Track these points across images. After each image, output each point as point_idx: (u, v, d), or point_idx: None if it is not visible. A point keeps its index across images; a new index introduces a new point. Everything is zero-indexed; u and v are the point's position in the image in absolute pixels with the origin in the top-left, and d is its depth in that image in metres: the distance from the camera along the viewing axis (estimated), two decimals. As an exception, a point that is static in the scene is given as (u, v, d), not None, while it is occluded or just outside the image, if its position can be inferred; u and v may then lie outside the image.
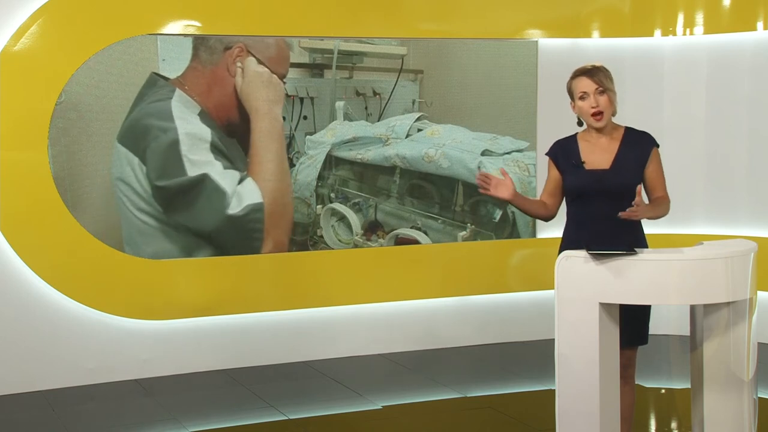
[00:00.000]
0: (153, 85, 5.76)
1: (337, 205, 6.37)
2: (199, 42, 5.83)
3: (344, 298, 6.35)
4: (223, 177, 5.83)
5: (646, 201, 3.99)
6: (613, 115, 3.98)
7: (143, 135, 5.72)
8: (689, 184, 6.67)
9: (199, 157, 5.79)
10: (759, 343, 3.84)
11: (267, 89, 5.92)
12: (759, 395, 3.93)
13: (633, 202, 3.73)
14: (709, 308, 3.67)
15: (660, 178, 3.99)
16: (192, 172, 5.77)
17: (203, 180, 5.79)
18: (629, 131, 4.02)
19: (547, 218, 4.11)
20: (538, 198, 4.18)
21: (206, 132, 5.81)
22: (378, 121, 6.43)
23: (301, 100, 6.21)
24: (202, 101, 5.83)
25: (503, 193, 3.93)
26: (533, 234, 6.73)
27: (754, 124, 6.54)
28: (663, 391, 5.77)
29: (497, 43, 6.59)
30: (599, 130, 3.98)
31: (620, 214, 3.73)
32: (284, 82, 6.08)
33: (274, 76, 5.94)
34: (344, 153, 6.34)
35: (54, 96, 5.56)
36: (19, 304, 5.62)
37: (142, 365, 5.89)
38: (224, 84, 5.89)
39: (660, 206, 3.95)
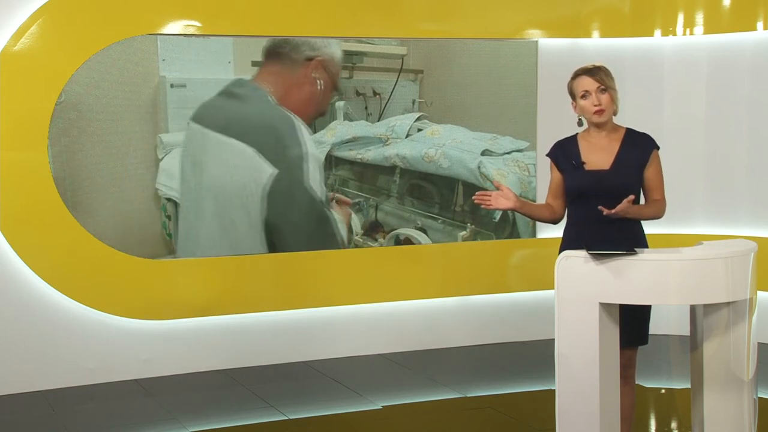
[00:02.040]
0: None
1: (337, 205, 6.38)
2: (288, 49, 6.00)
3: (344, 298, 6.35)
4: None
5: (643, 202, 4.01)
6: (615, 114, 3.98)
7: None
8: (689, 184, 6.67)
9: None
10: (759, 343, 3.84)
11: None
12: (759, 395, 3.93)
13: (625, 200, 3.74)
14: (709, 308, 3.67)
15: (658, 181, 3.99)
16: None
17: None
18: (630, 132, 4.02)
19: (555, 221, 4.10)
20: (543, 201, 4.18)
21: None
22: (378, 121, 6.43)
23: (302, 100, 6.24)
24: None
25: (505, 203, 3.93)
26: (533, 234, 6.73)
27: (754, 124, 6.54)
28: (663, 391, 5.77)
29: (497, 43, 6.59)
30: (600, 128, 3.97)
31: (605, 212, 3.73)
32: (340, 93, 6.30)
33: None
34: (344, 153, 6.34)
35: (54, 96, 5.56)
36: (19, 304, 5.62)
37: (142, 365, 5.89)
38: (301, 91, 6.08)
39: (651, 207, 3.95)
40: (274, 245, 6.10)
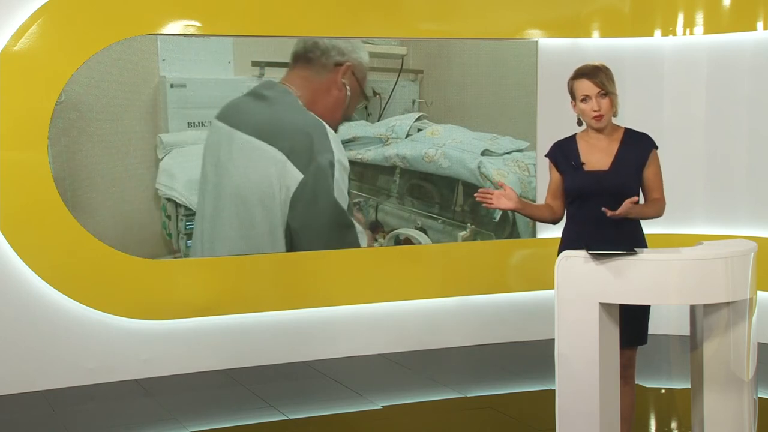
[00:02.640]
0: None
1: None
2: (318, 54, 6.04)
3: (344, 298, 6.34)
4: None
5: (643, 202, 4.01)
6: (614, 115, 3.98)
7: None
8: (689, 184, 6.67)
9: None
10: (759, 343, 3.84)
11: None
12: (759, 395, 3.93)
13: (628, 200, 3.74)
14: (709, 308, 3.67)
15: (658, 180, 3.98)
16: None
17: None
18: (629, 132, 4.02)
19: (554, 221, 4.10)
20: (542, 201, 4.18)
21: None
22: (378, 121, 6.43)
23: (302, 100, 6.24)
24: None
25: (506, 204, 3.93)
26: (533, 234, 6.73)
27: (754, 124, 6.54)
28: (663, 391, 5.77)
29: (497, 43, 6.59)
30: (599, 131, 3.98)
31: (609, 213, 3.73)
32: (368, 99, 6.32)
33: None
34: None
35: (54, 96, 5.56)
36: (19, 304, 5.62)
37: (142, 365, 5.89)
38: (328, 96, 6.13)
39: (652, 206, 3.95)
40: (293, 248, 6.14)
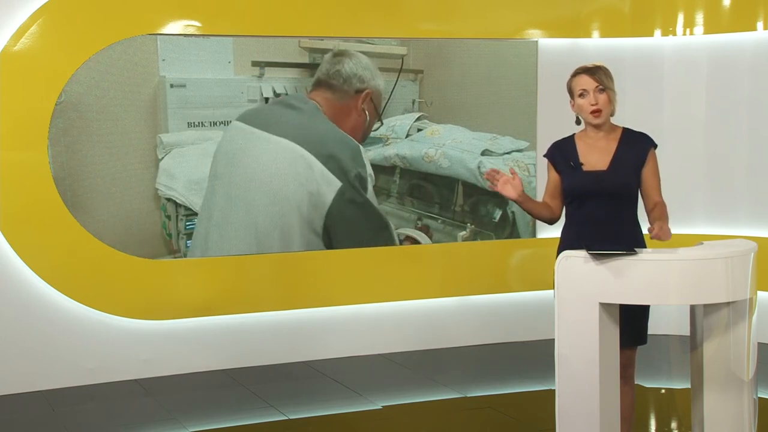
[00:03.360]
0: None
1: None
2: (340, 81, 6.18)
3: (344, 298, 6.35)
4: None
5: (642, 201, 4.02)
6: (612, 114, 3.98)
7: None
8: (689, 184, 6.67)
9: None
10: (759, 343, 3.84)
11: None
12: (759, 395, 3.93)
13: (651, 228, 3.75)
14: (709, 308, 3.67)
15: (656, 180, 3.97)
16: None
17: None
18: (627, 132, 4.02)
19: (552, 221, 4.10)
20: (540, 200, 4.18)
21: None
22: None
23: (302, 100, 6.24)
24: None
25: (510, 192, 3.91)
26: (533, 234, 6.73)
27: (754, 124, 6.54)
28: (663, 391, 5.77)
29: (497, 43, 6.59)
30: (597, 128, 3.97)
31: (653, 235, 3.74)
32: (382, 123, 6.41)
33: None
34: (344, 153, 6.35)
35: (54, 96, 5.56)
36: (19, 304, 5.62)
37: (142, 365, 5.89)
38: (349, 119, 6.25)
39: (665, 212, 3.95)
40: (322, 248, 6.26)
